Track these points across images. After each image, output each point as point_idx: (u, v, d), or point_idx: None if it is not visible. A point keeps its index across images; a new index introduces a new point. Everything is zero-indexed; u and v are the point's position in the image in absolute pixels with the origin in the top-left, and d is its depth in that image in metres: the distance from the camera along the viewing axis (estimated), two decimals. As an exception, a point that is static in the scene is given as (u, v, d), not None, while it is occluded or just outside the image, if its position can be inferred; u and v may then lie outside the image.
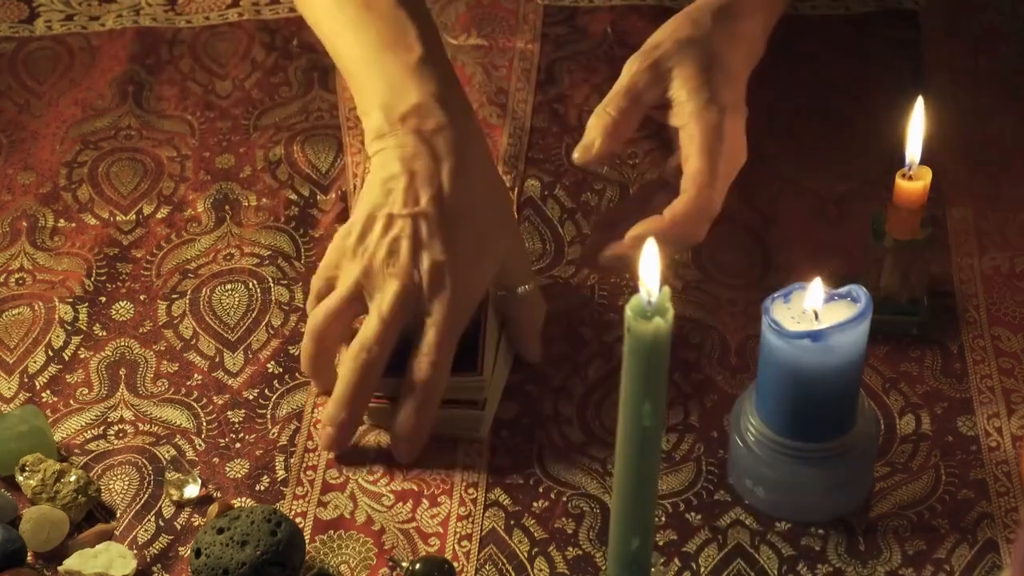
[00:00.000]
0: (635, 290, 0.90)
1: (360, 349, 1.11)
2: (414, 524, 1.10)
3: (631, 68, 1.20)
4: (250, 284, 1.25)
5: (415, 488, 1.12)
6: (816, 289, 1.05)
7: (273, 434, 1.16)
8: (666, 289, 0.89)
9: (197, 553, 1.05)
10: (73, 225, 1.30)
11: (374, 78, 1.18)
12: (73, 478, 1.10)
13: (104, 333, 1.22)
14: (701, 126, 1.16)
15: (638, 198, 1.23)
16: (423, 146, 1.15)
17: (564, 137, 1.36)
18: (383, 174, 1.15)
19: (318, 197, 1.32)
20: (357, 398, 1.12)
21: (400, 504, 1.11)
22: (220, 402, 1.18)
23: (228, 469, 1.14)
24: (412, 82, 1.17)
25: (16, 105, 1.40)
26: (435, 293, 1.11)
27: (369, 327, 1.11)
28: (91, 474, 1.12)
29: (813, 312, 1.05)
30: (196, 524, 1.10)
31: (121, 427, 1.16)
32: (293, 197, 1.31)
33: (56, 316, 1.23)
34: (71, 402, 1.18)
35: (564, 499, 1.12)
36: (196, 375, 1.20)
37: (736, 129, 1.18)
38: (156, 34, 1.46)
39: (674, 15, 1.23)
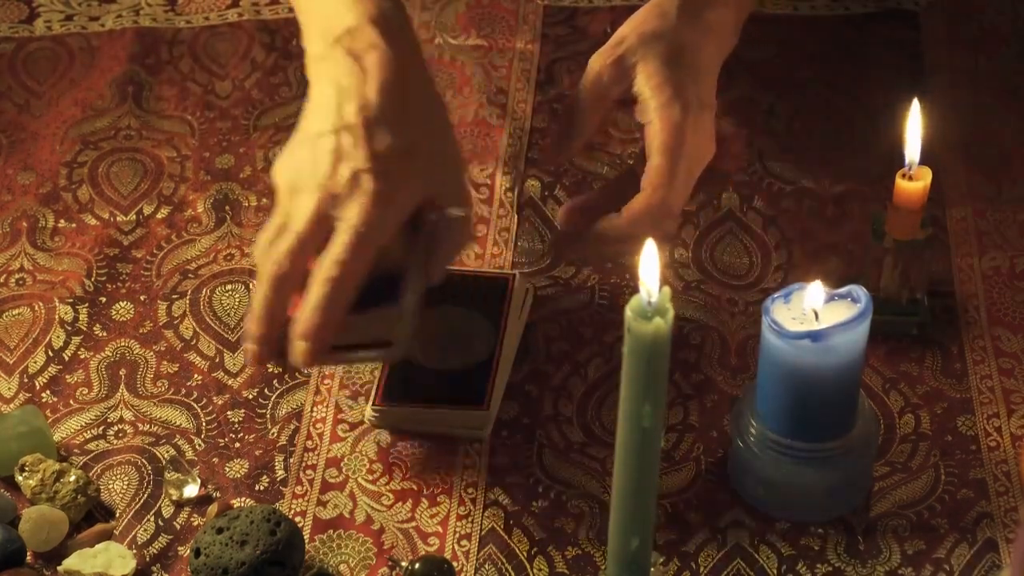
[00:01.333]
0: (635, 290, 0.90)
1: (271, 263, 1.08)
2: (414, 523, 1.10)
3: (595, 64, 1.18)
4: (250, 284, 1.25)
5: (415, 488, 1.12)
6: (816, 289, 1.05)
7: (272, 434, 1.16)
8: (666, 289, 0.89)
9: (196, 553, 1.05)
10: (73, 225, 1.30)
11: (316, 6, 1.18)
12: (72, 478, 1.10)
13: (104, 333, 1.22)
14: (663, 124, 1.14)
15: (610, 188, 1.22)
16: (353, 64, 1.13)
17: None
18: (315, 95, 1.14)
19: (318, 197, 1.31)
20: (270, 313, 1.08)
21: (400, 503, 1.11)
22: (220, 402, 1.18)
23: (227, 469, 1.14)
24: (348, 5, 1.15)
25: (16, 105, 1.40)
26: (351, 198, 1.08)
27: (283, 239, 1.09)
28: (90, 474, 1.12)
29: (813, 312, 1.05)
30: (195, 524, 1.10)
31: (121, 427, 1.16)
32: (293, 197, 1.31)
33: (56, 316, 1.23)
34: (71, 402, 1.18)
35: (564, 499, 1.12)
36: (196, 375, 1.20)
37: (700, 126, 1.16)
38: (156, 34, 1.46)
39: (643, 6, 1.20)
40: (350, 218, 1.07)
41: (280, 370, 1.18)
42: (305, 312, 1.07)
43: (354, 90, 1.11)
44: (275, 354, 1.09)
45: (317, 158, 1.09)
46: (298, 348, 1.07)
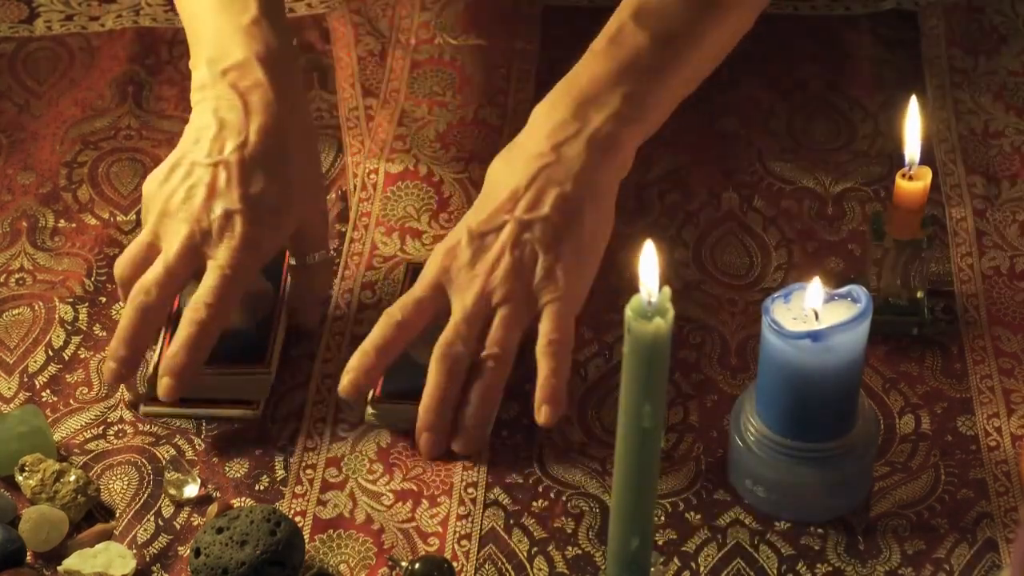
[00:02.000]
0: (635, 290, 0.90)
1: (139, 291, 1.12)
2: (414, 523, 1.10)
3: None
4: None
5: (415, 488, 1.12)
6: (816, 289, 1.05)
7: (272, 434, 1.16)
8: (666, 289, 0.89)
9: (196, 553, 1.05)
10: (73, 225, 1.30)
11: (206, 33, 1.20)
12: (72, 478, 1.10)
13: (104, 333, 1.22)
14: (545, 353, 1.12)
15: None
16: (237, 100, 1.16)
17: (564, 137, 1.36)
18: (196, 123, 1.17)
19: (318, 197, 1.31)
20: (134, 338, 1.12)
21: (400, 503, 1.11)
22: (220, 402, 1.18)
23: (227, 469, 1.14)
24: (239, 40, 1.18)
25: (16, 105, 1.40)
26: (222, 239, 1.13)
27: (152, 269, 1.13)
28: (90, 474, 1.12)
29: (813, 312, 1.05)
30: (195, 524, 1.10)
31: (121, 427, 1.16)
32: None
33: (56, 316, 1.23)
34: (71, 402, 1.18)
35: (564, 498, 1.12)
36: (196, 375, 1.19)
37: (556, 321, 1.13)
38: (156, 34, 1.46)
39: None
40: (219, 259, 1.12)
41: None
42: (172, 349, 1.12)
43: (235, 127, 1.15)
44: (131, 376, 1.14)
45: (192, 188, 1.14)
46: (164, 384, 1.12)
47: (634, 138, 1.17)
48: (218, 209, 1.13)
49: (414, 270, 1.21)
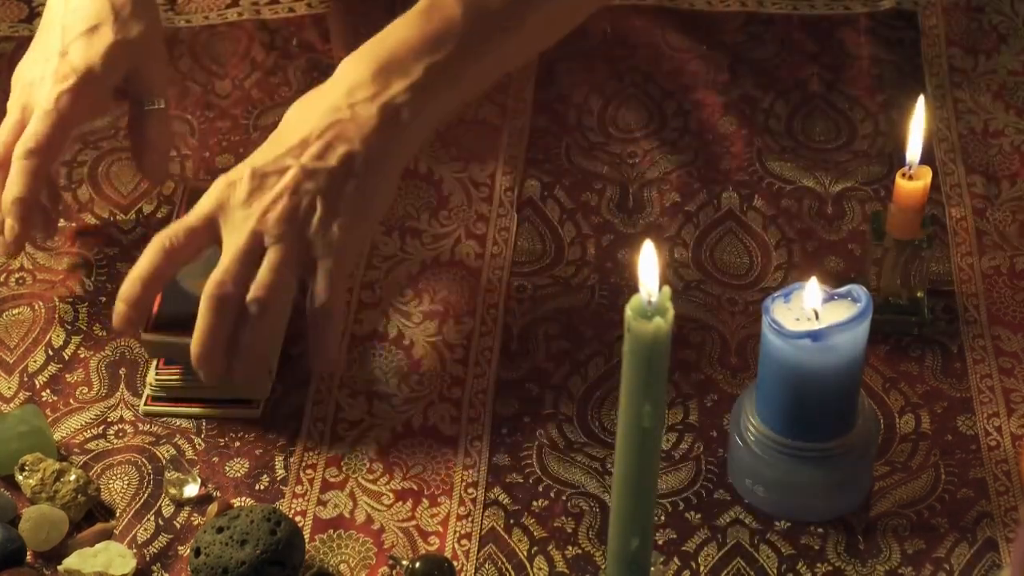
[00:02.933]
0: (635, 290, 0.90)
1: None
2: (414, 523, 1.10)
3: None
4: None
5: (415, 487, 1.12)
6: (816, 289, 1.05)
7: (273, 433, 1.16)
8: (666, 289, 0.89)
9: (197, 552, 1.05)
10: (73, 225, 1.30)
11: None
12: (72, 477, 1.10)
13: (104, 333, 1.22)
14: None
15: None
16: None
17: (564, 137, 1.36)
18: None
19: (318, 197, 1.31)
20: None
21: (400, 503, 1.11)
22: (220, 401, 1.18)
23: (228, 468, 1.14)
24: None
25: (16, 105, 1.40)
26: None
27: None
28: (91, 473, 1.12)
29: (813, 312, 1.05)
30: (196, 523, 1.10)
31: (121, 426, 1.16)
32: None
33: (56, 316, 1.23)
34: (71, 401, 1.18)
35: (564, 498, 1.12)
36: (196, 375, 1.19)
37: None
38: (156, 34, 1.45)
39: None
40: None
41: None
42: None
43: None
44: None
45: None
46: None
47: (433, 111, 1.16)
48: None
49: (191, 195, 1.22)
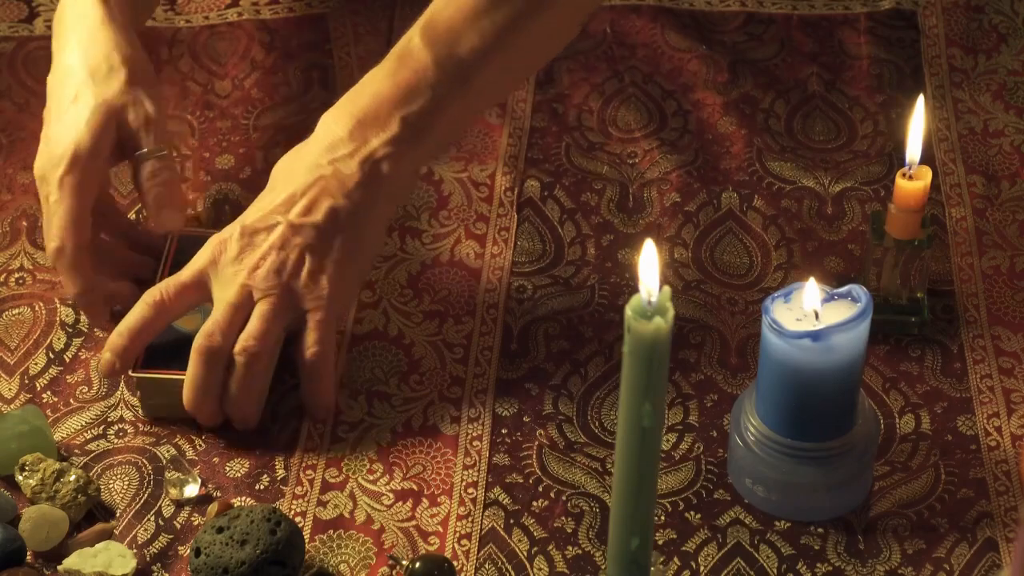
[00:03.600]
0: (635, 290, 0.90)
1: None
2: (414, 523, 1.10)
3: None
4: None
5: (415, 487, 1.12)
6: (816, 289, 1.05)
7: (273, 433, 1.16)
8: (666, 289, 0.89)
9: (197, 552, 1.05)
10: (73, 225, 1.30)
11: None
12: (73, 477, 1.10)
13: (104, 334, 1.22)
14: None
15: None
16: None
17: (564, 137, 1.36)
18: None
19: (318, 197, 1.31)
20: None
21: (400, 503, 1.11)
22: (220, 401, 1.18)
23: (228, 468, 1.14)
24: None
25: (16, 105, 1.40)
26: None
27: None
28: (91, 474, 1.12)
29: (813, 312, 1.05)
30: (196, 523, 1.10)
31: (121, 426, 1.16)
32: (293, 197, 1.31)
33: (57, 318, 1.23)
34: (71, 401, 1.18)
35: (564, 498, 1.12)
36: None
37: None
38: (155, 34, 1.45)
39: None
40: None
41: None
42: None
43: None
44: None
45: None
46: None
47: (413, 161, 1.18)
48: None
49: (178, 241, 1.22)
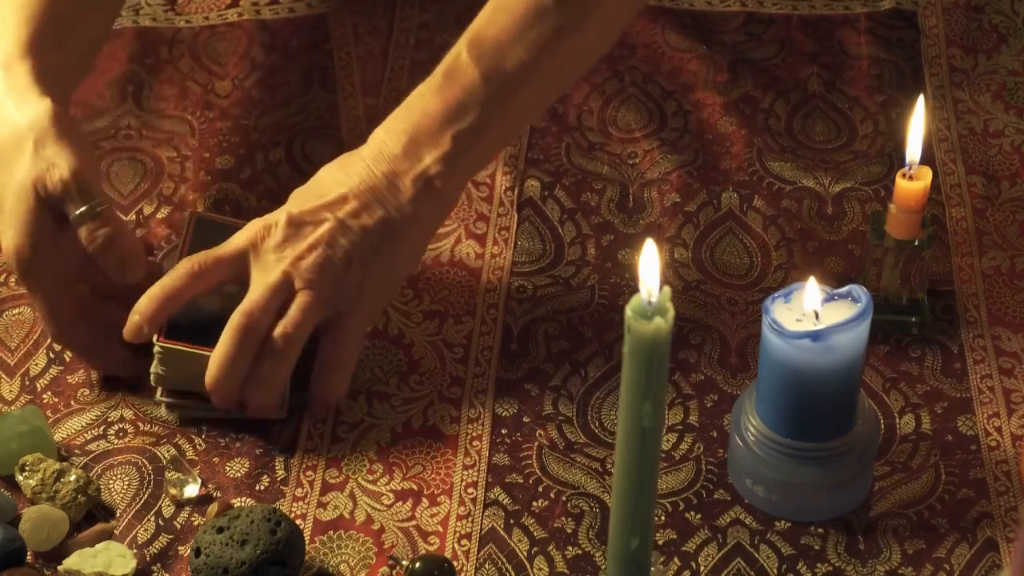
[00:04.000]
0: (635, 290, 0.90)
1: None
2: (414, 523, 1.10)
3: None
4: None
5: (415, 487, 1.12)
6: (816, 289, 1.05)
7: (273, 433, 1.16)
8: (666, 289, 0.89)
9: (197, 552, 1.05)
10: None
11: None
12: (73, 478, 1.10)
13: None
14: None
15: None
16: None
17: (564, 137, 1.36)
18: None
19: (318, 197, 1.31)
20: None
21: (400, 503, 1.11)
22: (220, 402, 1.18)
23: (228, 468, 1.14)
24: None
25: (16, 105, 1.40)
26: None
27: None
28: (91, 474, 1.12)
29: (814, 312, 1.05)
30: (196, 523, 1.10)
31: (121, 426, 1.16)
32: (293, 197, 1.31)
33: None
34: (71, 402, 1.18)
35: (564, 498, 1.12)
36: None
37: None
38: (156, 34, 1.45)
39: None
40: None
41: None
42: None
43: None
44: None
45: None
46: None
47: (462, 177, 1.19)
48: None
49: (198, 220, 1.22)
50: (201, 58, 1.43)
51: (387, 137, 1.17)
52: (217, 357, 1.12)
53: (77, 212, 1.12)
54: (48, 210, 1.12)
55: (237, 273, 1.15)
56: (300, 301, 1.13)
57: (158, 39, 1.45)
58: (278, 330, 1.12)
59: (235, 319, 1.12)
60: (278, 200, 1.32)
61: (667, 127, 1.38)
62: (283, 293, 1.14)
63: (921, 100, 1.17)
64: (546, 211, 1.31)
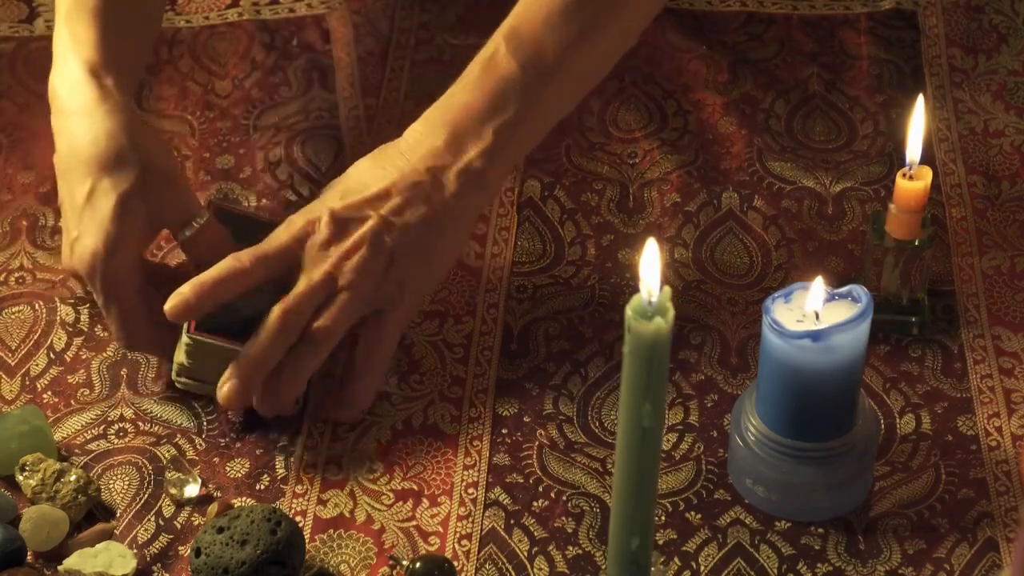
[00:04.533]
0: (635, 290, 0.90)
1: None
2: (414, 523, 1.10)
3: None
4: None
5: (415, 487, 1.12)
6: (816, 289, 1.05)
7: (273, 433, 1.16)
8: (666, 289, 0.89)
9: (197, 552, 1.05)
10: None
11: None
12: (73, 478, 1.10)
13: (106, 334, 1.22)
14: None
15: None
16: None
17: (564, 137, 1.36)
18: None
19: (318, 197, 1.32)
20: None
21: (400, 503, 1.11)
22: (220, 402, 1.18)
23: (228, 468, 1.14)
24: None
25: (16, 105, 1.40)
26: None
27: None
28: (91, 474, 1.12)
29: (814, 312, 1.05)
30: (196, 523, 1.10)
31: (121, 426, 1.16)
32: (293, 198, 1.31)
33: (58, 318, 1.23)
34: (72, 402, 1.18)
35: (564, 498, 1.12)
36: (196, 375, 1.20)
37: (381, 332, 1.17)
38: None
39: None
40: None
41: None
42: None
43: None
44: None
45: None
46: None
47: (503, 171, 1.20)
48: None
49: (216, 209, 1.21)
50: (201, 58, 1.43)
51: (426, 131, 1.17)
52: (261, 340, 1.12)
53: (187, 233, 1.16)
54: (147, 224, 1.16)
55: (280, 271, 1.15)
56: (341, 300, 1.13)
57: (158, 39, 1.45)
58: (319, 323, 1.13)
59: (276, 314, 1.12)
60: (278, 200, 1.32)
61: (667, 127, 1.38)
62: (325, 291, 1.14)
63: (921, 100, 1.17)
64: (546, 211, 1.31)
